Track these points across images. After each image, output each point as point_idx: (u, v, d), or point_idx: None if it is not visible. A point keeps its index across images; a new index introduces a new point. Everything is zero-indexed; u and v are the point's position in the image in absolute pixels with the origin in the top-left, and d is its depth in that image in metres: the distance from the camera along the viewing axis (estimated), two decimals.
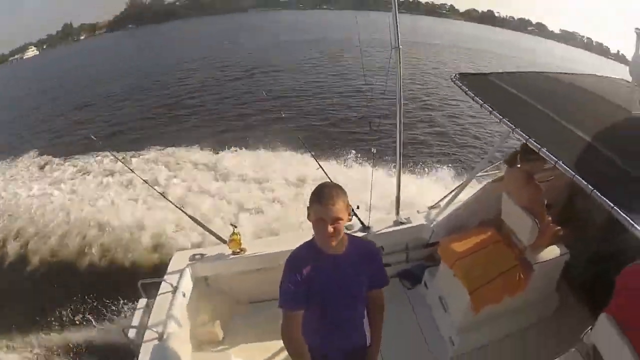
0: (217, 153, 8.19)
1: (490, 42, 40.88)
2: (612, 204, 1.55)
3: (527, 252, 2.83)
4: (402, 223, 3.16)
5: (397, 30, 2.26)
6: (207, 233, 2.93)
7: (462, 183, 3.32)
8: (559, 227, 2.87)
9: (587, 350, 2.38)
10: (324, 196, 1.50)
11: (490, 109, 2.26)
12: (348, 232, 1.72)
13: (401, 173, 3.12)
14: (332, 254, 1.63)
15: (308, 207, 1.55)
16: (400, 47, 2.31)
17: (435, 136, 10.54)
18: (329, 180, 1.63)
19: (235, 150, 8.19)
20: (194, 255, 2.77)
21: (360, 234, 3.02)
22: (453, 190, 3.32)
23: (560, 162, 1.81)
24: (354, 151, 7.66)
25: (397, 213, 3.19)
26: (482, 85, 2.43)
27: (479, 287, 2.65)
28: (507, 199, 2.89)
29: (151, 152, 8.68)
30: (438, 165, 7.83)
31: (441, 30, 42.94)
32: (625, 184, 1.71)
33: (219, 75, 17.47)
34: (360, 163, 7.25)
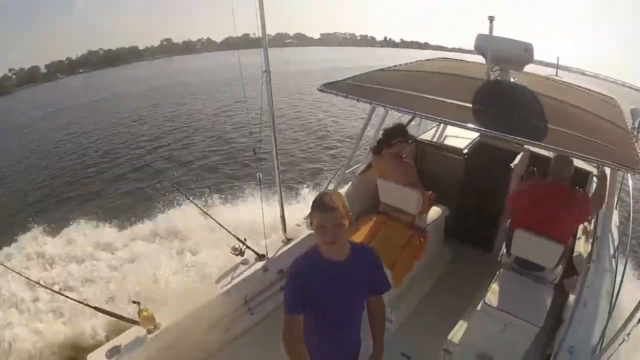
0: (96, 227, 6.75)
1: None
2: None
3: (416, 220, 3.27)
4: (290, 240, 3.21)
5: (267, 54, 2.34)
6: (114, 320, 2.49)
7: (328, 185, 3.63)
8: (431, 192, 3.39)
9: (510, 265, 2.96)
10: (324, 203, 1.55)
11: (382, 104, 2.56)
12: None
13: (282, 191, 3.13)
14: (334, 260, 1.66)
15: (310, 215, 1.59)
16: (270, 70, 2.39)
17: (311, 148, 11.45)
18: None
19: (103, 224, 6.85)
20: (108, 351, 2.32)
21: (259, 264, 2.98)
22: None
23: (469, 125, 2.28)
24: (243, 184, 7.51)
25: (285, 231, 3.22)
26: (350, 88, 2.66)
27: (395, 263, 2.95)
28: (384, 182, 3.24)
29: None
30: (313, 176, 8.34)
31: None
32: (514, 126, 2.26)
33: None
34: (250, 193, 7.06)
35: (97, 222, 6.75)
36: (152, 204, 7.17)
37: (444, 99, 2.49)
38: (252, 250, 3.00)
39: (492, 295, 2.71)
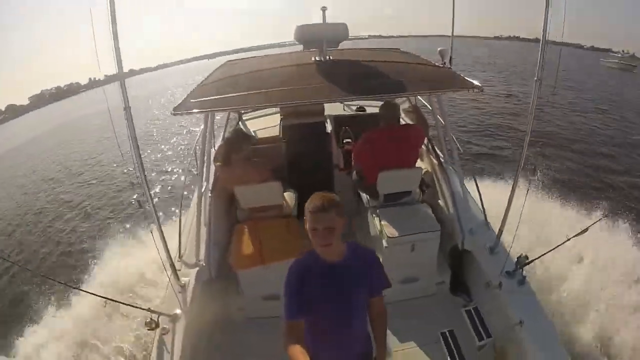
0: None
1: None
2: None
3: (284, 208, 3.43)
4: (185, 285, 2.87)
5: (125, 91, 2.04)
6: None
7: (180, 213, 3.45)
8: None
9: (381, 203, 3.36)
10: (315, 206, 1.55)
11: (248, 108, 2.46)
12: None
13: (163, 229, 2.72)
14: (330, 261, 1.65)
15: (304, 217, 1.57)
16: (130, 106, 2.09)
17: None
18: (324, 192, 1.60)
19: None
20: None
21: (180, 326, 2.63)
22: (181, 226, 3.27)
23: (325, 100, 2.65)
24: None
25: (178, 279, 2.85)
26: (199, 104, 2.51)
27: (295, 252, 2.96)
28: (244, 188, 3.23)
29: None
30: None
31: None
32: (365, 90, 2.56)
33: None
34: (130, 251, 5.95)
35: None
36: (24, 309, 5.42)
37: (287, 88, 2.57)
38: (165, 314, 2.62)
39: (388, 229, 3.08)
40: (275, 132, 4.59)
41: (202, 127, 3.36)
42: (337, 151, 4.31)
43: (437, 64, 3.12)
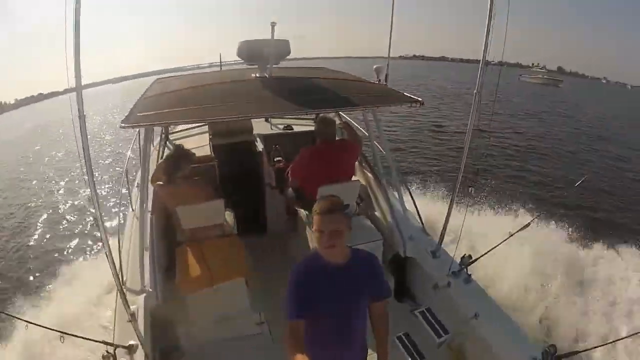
0: None
1: None
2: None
3: (224, 226, 3.40)
4: (134, 314, 2.61)
5: (81, 99, 1.92)
6: None
7: (120, 239, 3.24)
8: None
9: None
10: (323, 208, 1.57)
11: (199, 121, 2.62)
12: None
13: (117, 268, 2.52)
14: (333, 264, 1.67)
15: (311, 220, 1.60)
16: (85, 114, 2.01)
17: None
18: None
19: None
20: None
21: (139, 357, 2.47)
22: (120, 250, 3.09)
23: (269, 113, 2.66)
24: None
25: (129, 307, 2.55)
26: (152, 118, 2.41)
27: (242, 270, 3.05)
28: (186, 207, 3.11)
29: None
30: None
31: None
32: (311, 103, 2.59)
33: None
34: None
35: None
36: None
37: (232, 103, 2.52)
38: (122, 346, 2.44)
39: None
40: (205, 151, 4.52)
41: (137, 144, 3.23)
42: (269, 169, 4.33)
43: (372, 81, 3.22)
